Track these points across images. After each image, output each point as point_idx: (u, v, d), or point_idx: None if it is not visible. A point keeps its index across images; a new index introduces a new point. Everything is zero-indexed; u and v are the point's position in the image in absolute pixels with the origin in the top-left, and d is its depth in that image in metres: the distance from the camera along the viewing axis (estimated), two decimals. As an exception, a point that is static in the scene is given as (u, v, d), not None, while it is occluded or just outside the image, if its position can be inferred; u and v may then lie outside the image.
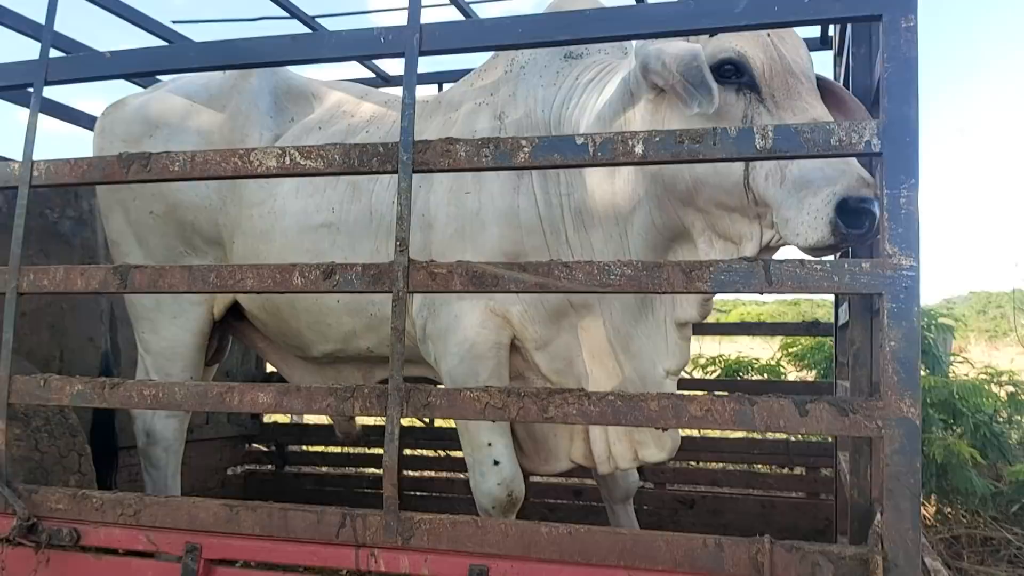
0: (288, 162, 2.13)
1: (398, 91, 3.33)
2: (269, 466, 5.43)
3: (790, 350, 6.79)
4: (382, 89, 4.14)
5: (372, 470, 5.33)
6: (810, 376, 6.65)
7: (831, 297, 4.22)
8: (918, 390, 1.71)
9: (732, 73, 2.36)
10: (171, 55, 2.47)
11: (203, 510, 2.15)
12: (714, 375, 6.86)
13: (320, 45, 2.17)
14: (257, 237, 3.25)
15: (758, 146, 1.85)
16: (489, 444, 2.89)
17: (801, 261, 1.81)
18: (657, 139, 1.90)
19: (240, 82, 3.47)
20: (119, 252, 3.53)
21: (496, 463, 2.89)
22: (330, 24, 7.30)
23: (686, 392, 1.91)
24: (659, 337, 2.78)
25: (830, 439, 4.14)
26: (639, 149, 1.91)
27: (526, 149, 1.97)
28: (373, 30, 2.13)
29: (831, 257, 2.31)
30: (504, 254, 2.76)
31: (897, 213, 1.75)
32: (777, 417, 1.80)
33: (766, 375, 6.58)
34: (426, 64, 5.12)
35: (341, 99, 3.44)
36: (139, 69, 2.49)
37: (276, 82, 3.49)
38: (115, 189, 3.47)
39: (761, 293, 1.83)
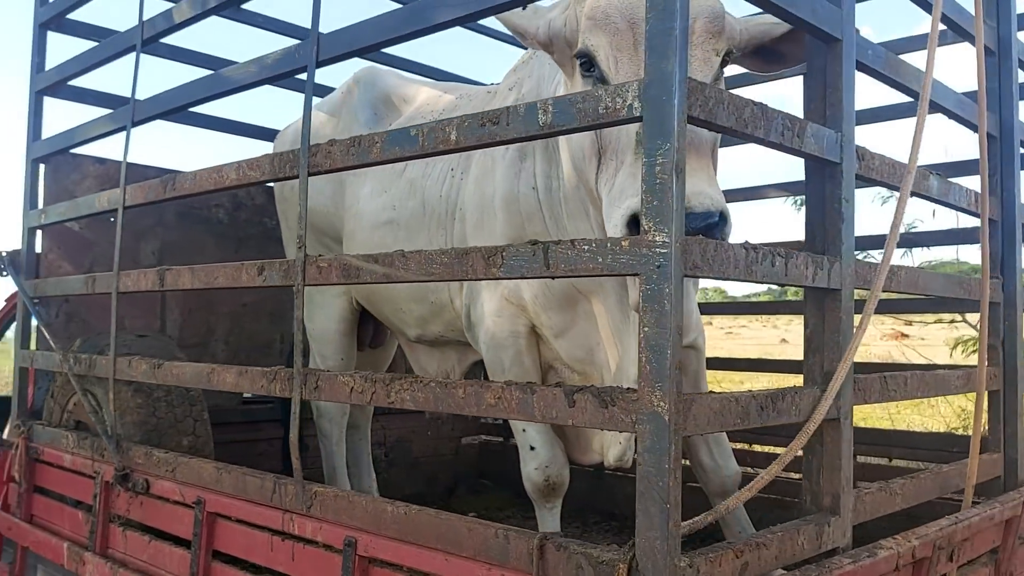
0: (238, 175, 2.45)
1: (485, 80, 3.46)
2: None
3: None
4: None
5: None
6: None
7: None
8: (669, 382, 1.51)
9: (589, 66, 2.16)
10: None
11: (205, 470, 2.58)
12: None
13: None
14: (349, 237, 3.63)
15: (541, 122, 1.75)
16: (523, 430, 2.94)
17: (572, 243, 1.69)
18: (466, 124, 1.88)
19: (347, 96, 3.85)
20: (288, 253, 4.14)
21: (532, 448, 2.93)
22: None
23: (494, 383, 1.85)
24: (634, 335, 2.61)
25: None
26: (453, 135, 1.91)
27: (378, 145, 2.07)
28: (287, 50, 2.36)
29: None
30: (509, 240, 2.78)
31: (652, 184, 1.56)
32: (551, 407, 1.71)
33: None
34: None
35: (427, 98, 3.65)
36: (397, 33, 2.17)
37: (375, 92, 3.79)
38: (280, 199, 4.10)
39: (543, 276, 1.74)
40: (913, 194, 2.45)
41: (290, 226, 4.11)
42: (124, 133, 3.14)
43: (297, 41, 2.46)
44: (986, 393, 2.84)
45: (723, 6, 2.10)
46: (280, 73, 2.42)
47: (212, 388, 2.58)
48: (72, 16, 3.85)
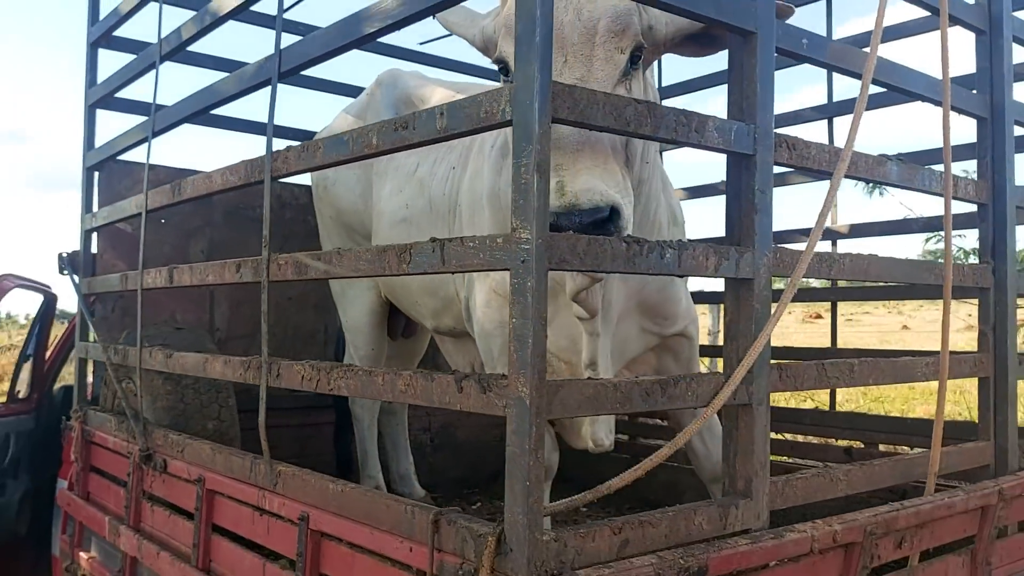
0: (223, 179, 2.67)
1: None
2: None
3: None
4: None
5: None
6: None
7: None
8: (531, 369, 1.62)
9: (506, 71, 2.24)
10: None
11: (204, 451, 2.83)
12: None
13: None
14: (375, 234, 3.83)
15: (438, 126, 1.87)
16: None
17: (462, 239, 1.81)
18: (383, 129, 2.03)
19: (370, 98, 4.04)
20: (323, 247, 4.38)
21: None
22: None
23: (405, 372, 1.98)
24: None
25: None
26: (374, 140, 2.06)
27: (320, 150, 2.24)
28: (255, 63, 2.56)
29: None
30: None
31: (518, 184, 1.66)
32: (445, 393, 1.84)
33: None
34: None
35: (441, 97, 3.79)
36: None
37: (396, 93, 3.96)
38: (315, 197, 4.34)
39: (442, 271, 1.87)
40: (877, 182, 2.46)
41: (324, 222, 4.35)
42: (162, 138, 3.43)
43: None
44: (979, 382, 2.82)
45: (631, 5, 2.16)
46: (253, 85, 2.63)
47: (207, 376, 2.83)
48: (120, 33, 4.18)
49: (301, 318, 4.84)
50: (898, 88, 2.53)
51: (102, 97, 4.04)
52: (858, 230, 4.13)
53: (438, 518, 1.82)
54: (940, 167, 2.62)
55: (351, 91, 4.99)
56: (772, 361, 2.11)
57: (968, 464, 2.85)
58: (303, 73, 2.88)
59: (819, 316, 22.10)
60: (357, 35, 2.16)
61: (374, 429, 4.37)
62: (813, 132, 5.12)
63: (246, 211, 4.70)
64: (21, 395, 4.79)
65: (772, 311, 2.06)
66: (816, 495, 2.28)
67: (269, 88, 2.53)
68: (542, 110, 1.64)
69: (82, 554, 3.80)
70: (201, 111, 2.98)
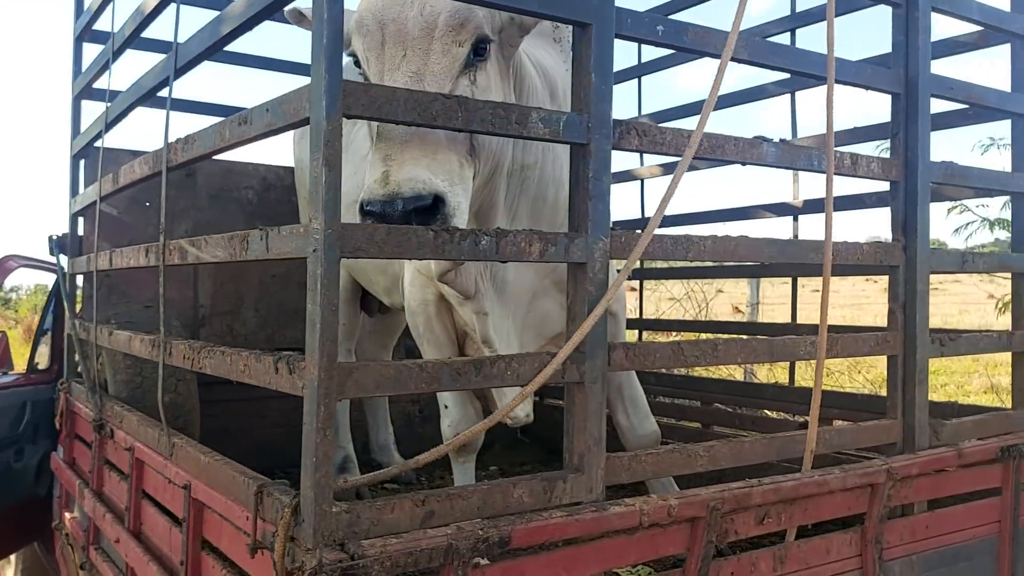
0: (137, 170, 2.84)
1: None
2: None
3: None
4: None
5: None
6: None
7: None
8: (319, 353, 1.73)
9: (359, 65, 2.31)
10: None
11: (132, 422, 3.03)
12: None
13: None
14: (342, 216, 4.00)
15: (266, 121, 1.99)
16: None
17: (279, 229, 1.92)
18: (233, 122, 2.15)
19: None
20: (302, 221, 4.55)
21: (445, 407, 3.18)
22: None
23: (244, 352, 2.11)
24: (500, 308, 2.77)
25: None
26: (227, 133, 2.18)
27: (196, 142, 2.38)
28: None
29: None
30: None
31: (313, 176, 1.77)
32: (267, 373, 1.96)
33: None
34: None
35: None
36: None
37: None
38: (297, 170, 4.53)
39: (267, 259, 1.99)
40: (745, 162, 2.48)
41: (301, 203, 4.51)
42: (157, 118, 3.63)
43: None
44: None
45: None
46: (154, 86, 2.79)
47: (133, 353, 3.02)
48: (100, 27, 4.39)
49: (285, 295, 5.03)
50: (766, 65, 2.52)
51: (84, 87, 4.26)
52: (811, 206, 4.10)
53: (260, 490, 1.95)
54: (854, 148, 2.62)
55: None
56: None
57: (873, 441, 2.85)
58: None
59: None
60: (217, 37, 2.29)
61: (346, 402, 4.53)
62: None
63: (231, 193, 4.90)
64: (40, 367, 5.12)
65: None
66: (671, 470, 2.34)
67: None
68: (330, 108, 1.73)
69: (67, 514, 4.09)
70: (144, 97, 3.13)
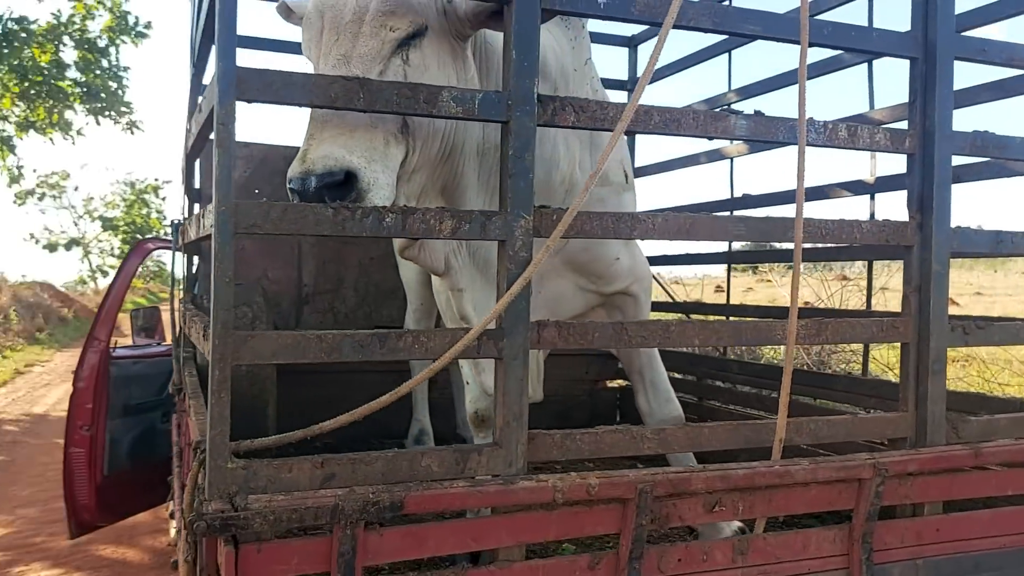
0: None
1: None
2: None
3: None
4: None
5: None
6: None
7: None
8: (216, 322, 1.89)
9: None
10: None
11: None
12: None
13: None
14: None
15: (205, 107, 2.16)
16: (460, 368, 3.28)
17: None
18: (201, 106, 2.35)
19: None
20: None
21: (467, 383, 3.28)
22: None
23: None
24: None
25: None
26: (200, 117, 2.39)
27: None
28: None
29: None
30: None
31: (217, 160, 1.92)
32: (199, 340, 2.14)
33: None
34: None
35: None
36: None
37: None
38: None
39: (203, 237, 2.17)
40: (719, 138, 2.40)
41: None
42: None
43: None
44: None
45: None
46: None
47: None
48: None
49: (382, 276, 5.29)
50: (735, 33, 2.41)
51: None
52: (889, 183, 3.80)
53: (197, 447, 2.14)
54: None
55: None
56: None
57: (881, 435, 2.68)
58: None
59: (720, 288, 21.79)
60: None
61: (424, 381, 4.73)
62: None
63: None
64: (185, 337, 5.73)
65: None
66: (612, 451, 2.32)
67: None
68: (224, 94, 1.88)
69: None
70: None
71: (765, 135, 2.43)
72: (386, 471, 2.04)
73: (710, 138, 2.39)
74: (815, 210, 3.73)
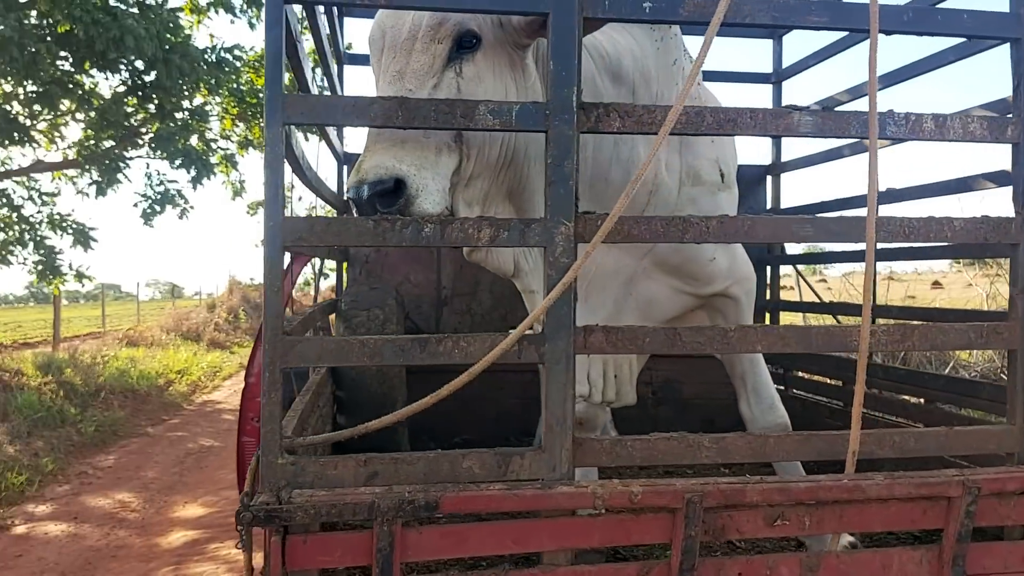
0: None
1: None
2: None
3: None
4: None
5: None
6: None
7: None
8: (269, 331, 2.05)
9: None
10: None
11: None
12: None
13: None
14: None
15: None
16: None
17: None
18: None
19: None
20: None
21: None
22: None
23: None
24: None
25: None
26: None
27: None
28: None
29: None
30: None
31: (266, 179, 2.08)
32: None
33: None
34: None
35: None
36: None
37: None
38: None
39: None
40: (780, 135, 2.33)
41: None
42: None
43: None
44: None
45: None
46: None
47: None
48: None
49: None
50: (799, 26, 2.30)
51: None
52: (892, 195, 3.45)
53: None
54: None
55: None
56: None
57: (982, 449, 2.46)
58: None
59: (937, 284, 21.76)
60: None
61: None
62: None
63: None
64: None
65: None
66: (664, 459, 2.28)
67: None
68: (271, 117, 2.03)
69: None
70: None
71: (835, 131, 2.30)
72: (427, 471, 2.12)
73: (774, 136, 2.28)
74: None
